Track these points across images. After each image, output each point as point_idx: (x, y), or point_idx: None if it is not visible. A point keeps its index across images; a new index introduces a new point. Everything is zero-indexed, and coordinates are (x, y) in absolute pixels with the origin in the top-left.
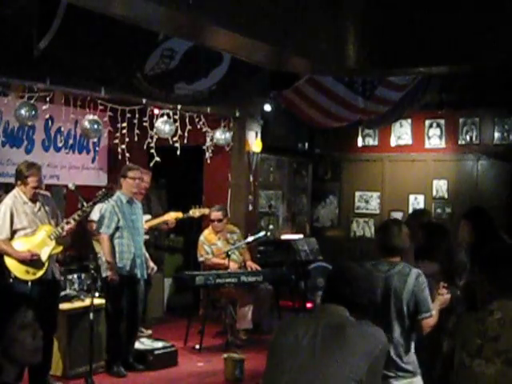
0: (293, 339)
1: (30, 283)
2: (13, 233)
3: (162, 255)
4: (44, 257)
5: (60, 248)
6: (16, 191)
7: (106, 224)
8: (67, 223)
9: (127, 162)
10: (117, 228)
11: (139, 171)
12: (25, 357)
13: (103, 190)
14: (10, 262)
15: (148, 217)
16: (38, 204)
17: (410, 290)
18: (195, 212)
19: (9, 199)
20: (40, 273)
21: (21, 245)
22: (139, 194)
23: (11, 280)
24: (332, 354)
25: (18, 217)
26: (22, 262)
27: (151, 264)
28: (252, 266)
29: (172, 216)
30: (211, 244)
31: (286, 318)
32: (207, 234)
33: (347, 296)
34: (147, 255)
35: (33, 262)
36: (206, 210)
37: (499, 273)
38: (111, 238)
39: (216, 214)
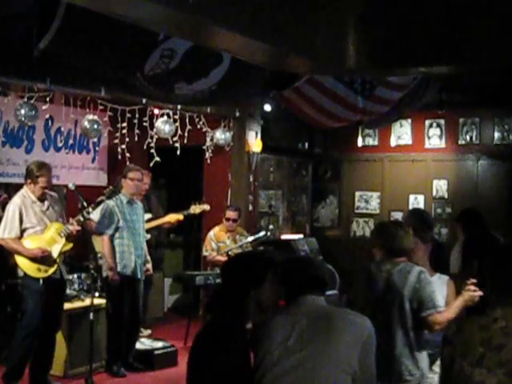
0: (280, 340)
1: (41, 281)
2: (22, 231)
3: (163, 254)
4: (55, 254)
5: (70, 245)
6: (24, 190)
7: (106, 225)
8: (76, 221)
9: (127, 162)
10: (117, 228)
11: (139, 172)
12: None
13: (109, 188)
14: (21, 261)
15: (148, 215)
16: (46, 203)
17: (412, 286)
18: (195, 209)
19: (17, 198)
20: (51, 270)
21: (30, 243)
22: (138, 195)
23: (22, 278)
24: (322, 349)
25: (26, 216)
26: (34, 259)
27: (148, 266)
28: None
29: (173, 218)
30: (219, 241)
31: (267, 321)
32: (217, 231)
33: (315, 275)
34: (148, 257)
35: (44, 259)
36: (206, 207)
37: (503, 276)
38: (112, 238)
39: (232, 214)
